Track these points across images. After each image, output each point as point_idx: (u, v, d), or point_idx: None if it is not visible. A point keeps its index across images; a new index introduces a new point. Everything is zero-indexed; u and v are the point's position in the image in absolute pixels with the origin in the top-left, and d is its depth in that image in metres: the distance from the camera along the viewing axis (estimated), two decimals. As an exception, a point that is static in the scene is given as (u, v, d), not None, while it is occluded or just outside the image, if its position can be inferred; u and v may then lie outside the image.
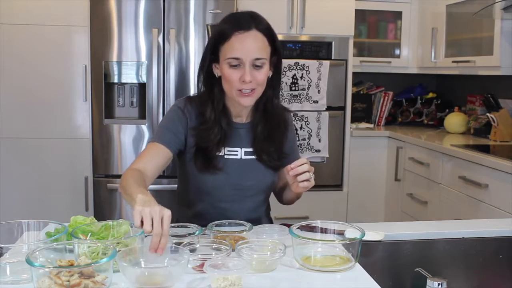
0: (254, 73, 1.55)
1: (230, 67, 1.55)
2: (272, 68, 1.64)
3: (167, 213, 1.20)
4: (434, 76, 4.26)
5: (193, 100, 1.69)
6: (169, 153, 1.61)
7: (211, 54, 1.61)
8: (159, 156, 1.60)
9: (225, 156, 1.66)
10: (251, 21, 1.56)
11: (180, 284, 1.14)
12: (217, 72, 1.62)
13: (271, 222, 1.82)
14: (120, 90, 3.29)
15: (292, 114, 1.82)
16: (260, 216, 1.77)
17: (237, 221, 1.50)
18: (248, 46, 1.53)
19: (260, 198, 1.74)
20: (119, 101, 3.29)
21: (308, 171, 1.48)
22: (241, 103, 1.59)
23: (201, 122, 1.64)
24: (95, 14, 3.12)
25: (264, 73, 1.57)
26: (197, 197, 1.69)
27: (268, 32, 1.58)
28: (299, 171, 1.47)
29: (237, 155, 1.67)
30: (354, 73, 3.62)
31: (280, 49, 1.64)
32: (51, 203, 3.23)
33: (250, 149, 1.68)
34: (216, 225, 1.46)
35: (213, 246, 1.30)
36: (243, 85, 1.55)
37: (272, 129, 1.68)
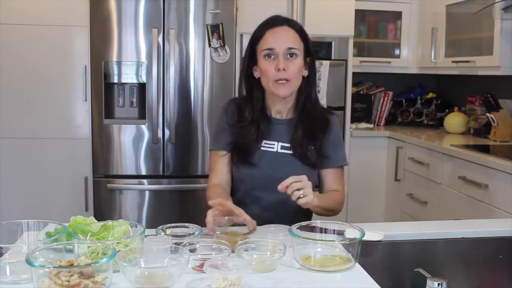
0: (287, 63, 1.65)
1: (266, 59, 1.67)
2: (307, 67, 1.73)
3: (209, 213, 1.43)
4: (434, 76, 4.26)
5: (235, 101, 1.82)
6: (229, 154, 1.78)
7: (249, 58, 1.73)
8: (224, 163, 1.78)
9: (262, 148, 1.75)
10: (283, 19, 1.71)
11: (180, 284, 1.14)
12: (256, 74, 1.72)
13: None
14: (120, 90, 3.29)
15: (336, 117, 1.84)
16: (292, 211, 1.69)
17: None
18: (280, 36, 1.66)
19: None
20: (119, 101, 3.29)
21: (298, 189, 1.49)
22: (278, 93, 1.68)
23: (239, 121, 1.76)
24: (95, 14, 3.12)
25: (298, 65, 1.67)
26: (236, 185, 1.80)
27: (300, 30, 1.72)
28: (290, 186, 1.49)
29: (273, 148, 1.75)
30: (354, 73, 3.62)
31: (312, 50, 1.73)
32: (51, 203, 3.23)
33: (287, 144, 1.75)
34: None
35: (213, 246, 1.30)
36: (278, 75, 1.64)
37: (311, 127, 1.74)
